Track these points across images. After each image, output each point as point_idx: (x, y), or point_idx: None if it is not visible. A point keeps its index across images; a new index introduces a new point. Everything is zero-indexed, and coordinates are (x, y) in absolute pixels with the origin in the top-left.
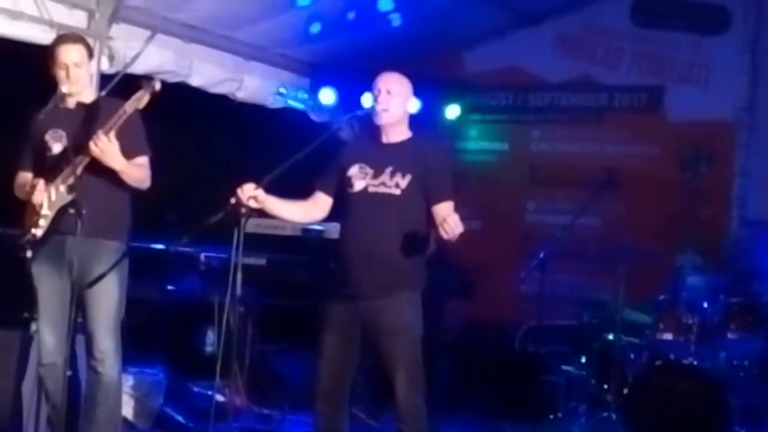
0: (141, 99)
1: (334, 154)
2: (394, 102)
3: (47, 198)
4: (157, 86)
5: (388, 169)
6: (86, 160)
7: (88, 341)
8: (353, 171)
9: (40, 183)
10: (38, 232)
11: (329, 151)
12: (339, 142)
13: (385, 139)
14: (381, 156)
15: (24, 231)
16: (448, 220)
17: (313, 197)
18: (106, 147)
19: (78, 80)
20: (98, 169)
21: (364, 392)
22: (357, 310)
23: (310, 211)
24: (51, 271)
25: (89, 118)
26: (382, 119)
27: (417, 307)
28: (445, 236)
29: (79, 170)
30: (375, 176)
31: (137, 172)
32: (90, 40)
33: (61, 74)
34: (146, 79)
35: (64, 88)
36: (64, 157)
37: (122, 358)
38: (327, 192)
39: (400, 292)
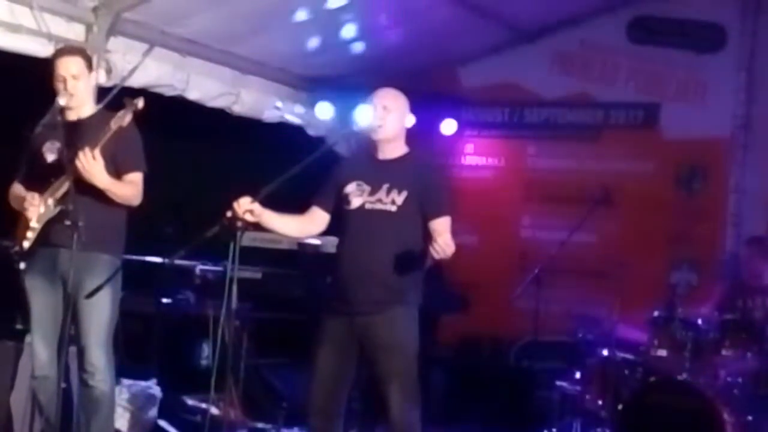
0: (123, 117)
1: (331, 170)
2: (390, 118)
3: (37, 211)
4: (140, 104)
5: (385, 186)
6: (73, 176)
7: (79, 354)
8: (350, 188)
9: (36, 198)
10: (26, 244)
11: (326, 166)
12: (335, 157)
13: (381, 156)
14: (378, 173)
15: (15, 243)
16: (439, 240)
17: (310, 212)
18: (89, 164)
19: (76, 93)
20: (91, 183)
21: (358, 408)
22: (353, 325)
23: (306, 226)
24: (44, 283)
25: (84, 132)
26: (379, 135)
27: (414, 323)
28: (435, 256)
29: (68, 184)
30: (372, 193)
31: (124, 189)
32: None
33: (59, 87)
34: (129, 97)
35: (62, 101)
36: (56, 170)
37: (117, 370)
38: (324, 208)
39: (396, 308)
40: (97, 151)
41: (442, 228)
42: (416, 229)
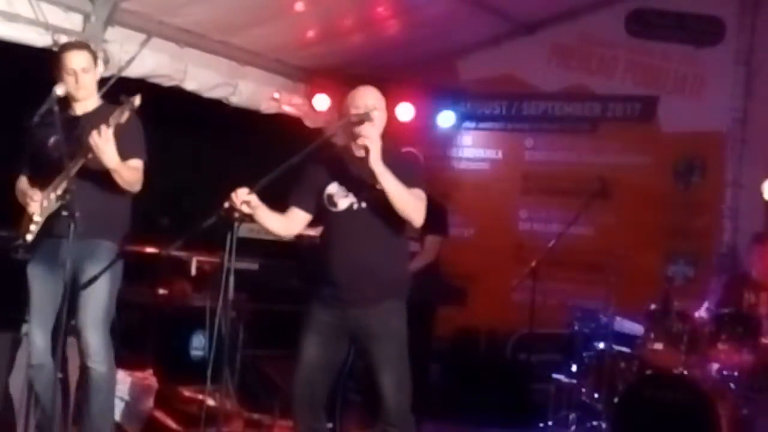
0: (121, 116)
1: (304, 172)
2: (382, 117)
3: (39, 205)
4: (137, 102)
5: (368, 183)
6: (78, 165)
7: (78, 337)
8: (333, 189)
9: (38, 193)
10: (29, 237)
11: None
12: (330, 149)
13: (359, 153)
14: (359, 170)
15: (19, 236)
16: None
17: (290, 213)
18: (102, 142)
19: (86, 86)
20: (94, 171)
21: (358, 400)
22: (346, 317)
23: (290, 226)
24: (45, 272)
25: (89, 125)
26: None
27: (404, 315)
28: (362, 143)
29: (70, 177)
30: (357, 192)
31: (129, 173)
32: None
33: (70, 80)
34: (126, 95)
35: (59, 90)
36: (60, 164)
37: (113, 359)
38: (305, 209)
39: (389, 301)
40: (110, 132)
41: None
42: (402, 221)
